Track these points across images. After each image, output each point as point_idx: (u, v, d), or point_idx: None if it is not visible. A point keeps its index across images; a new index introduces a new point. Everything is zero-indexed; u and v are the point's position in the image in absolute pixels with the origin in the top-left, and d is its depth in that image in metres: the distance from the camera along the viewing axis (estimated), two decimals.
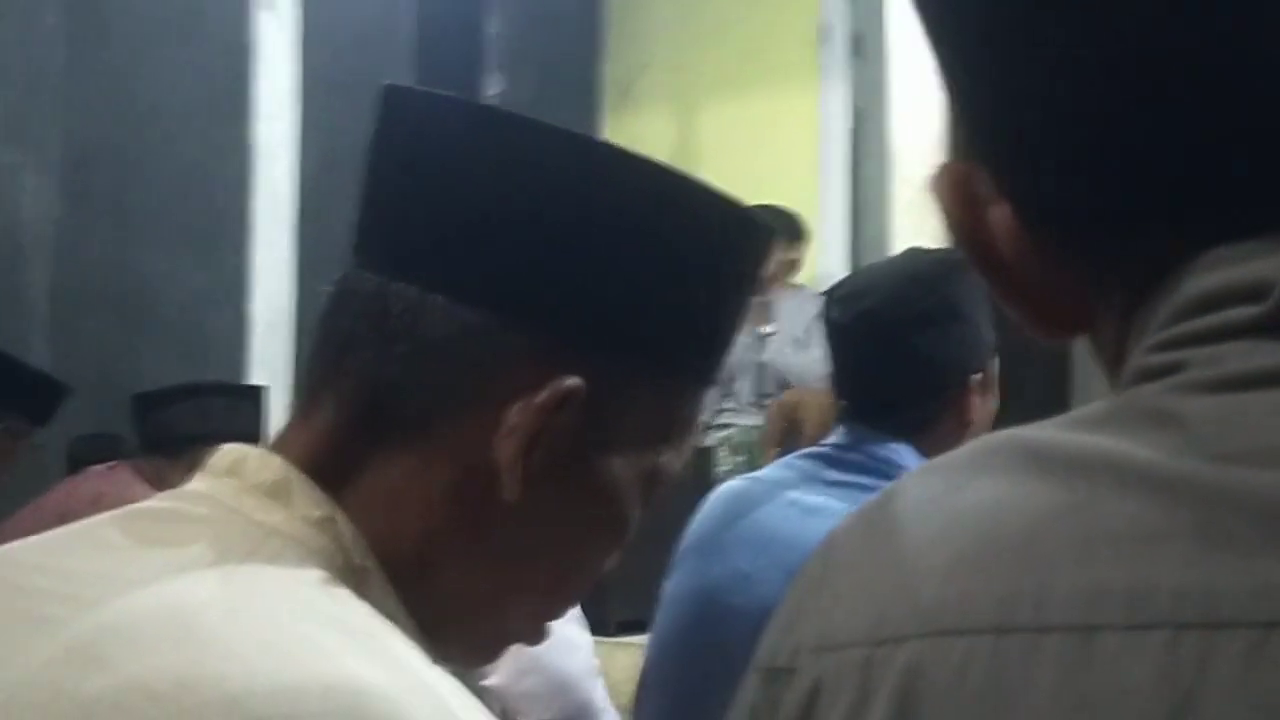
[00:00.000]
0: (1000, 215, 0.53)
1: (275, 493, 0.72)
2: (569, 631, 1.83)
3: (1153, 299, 0.51)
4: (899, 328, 1.66)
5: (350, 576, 0.71)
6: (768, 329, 4.72)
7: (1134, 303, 0.51)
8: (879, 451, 1.66)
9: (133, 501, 0.76)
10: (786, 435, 4.18)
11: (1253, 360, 0.47)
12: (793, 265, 4.95)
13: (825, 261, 5.27)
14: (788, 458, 1.82)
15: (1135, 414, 0.48)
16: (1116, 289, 0.52)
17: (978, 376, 1.68)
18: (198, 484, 0.74)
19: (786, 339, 4.74)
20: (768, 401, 4.63)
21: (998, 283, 0.55)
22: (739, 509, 1.73)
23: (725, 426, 4.75)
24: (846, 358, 1.73)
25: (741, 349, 4.66)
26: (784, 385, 4.66)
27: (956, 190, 0.54)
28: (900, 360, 1.66)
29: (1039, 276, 0.53)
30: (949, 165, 0.54)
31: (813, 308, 4.67)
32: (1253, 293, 0.48)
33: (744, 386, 4.85)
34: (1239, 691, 0.41)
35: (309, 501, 0.72)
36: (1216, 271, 0.49)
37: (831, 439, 1.73)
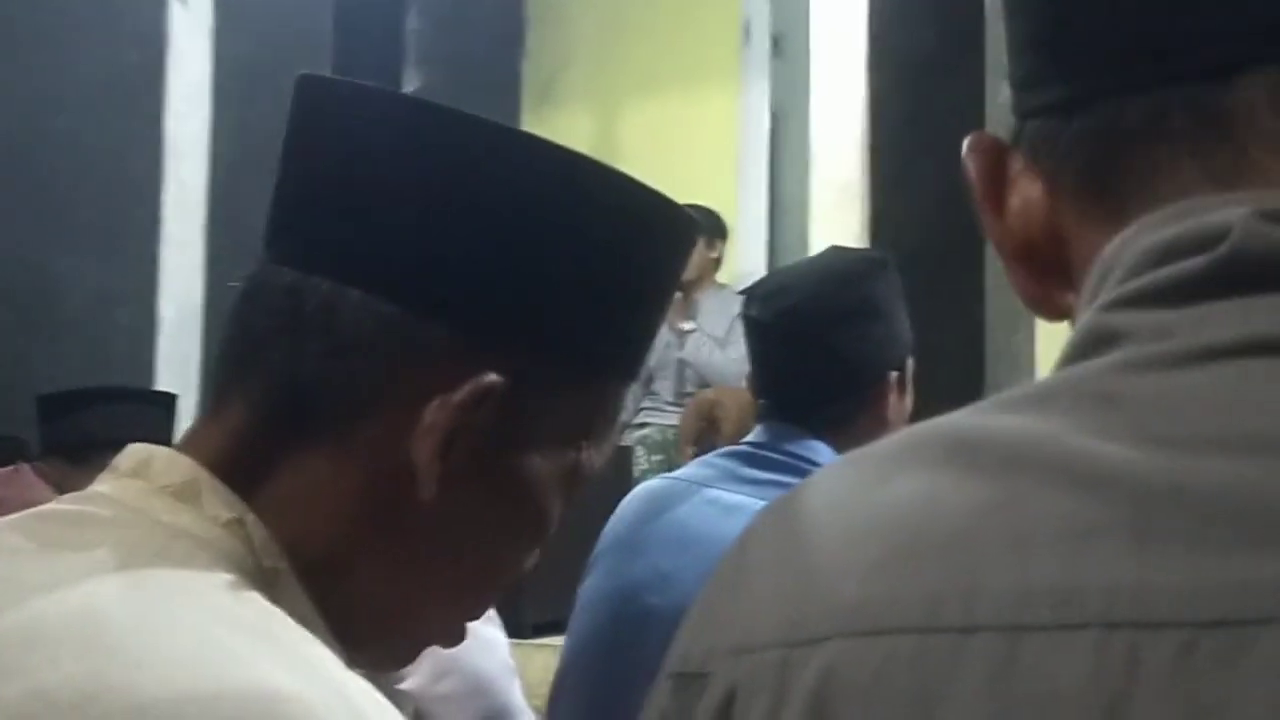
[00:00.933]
0: (1029, 189, 0.54)
1: (183, 494, 0.70)
2: (486, 631, 1.81)
3: (1119, 247, 0.50)
4: (819, 325, 1.66)
5: (261, 579, 0.69)
6: (688, 326, 4.72)
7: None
8: (798, 450, 1.66)
9: (35, 505, 0.73)
10: (704, 434, 4.18)
11: (1200, 334, 0.46)
12: (715, 264, 4.96)
13: (744, 261, 5.28)
14: (706, 456, 1.81)
15: (1075, 395, 0.47)
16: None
17: (895, 375, 1.69)
18: (102, 486, 0.72)
19: (707, 338, 4.74)
20: (687, 400, 4.63)
21: (1003, 245, 0.56)
22: (657, 508, 1.72)
23: (643, 426, 4.75)
24: (766, 355, 1.73)
25: (662, 347, 4.65)
26: (704, 384, 4.66)
27: (987, 154, 0.56)
28: (820, 358, 1.67)
29: (1050, 250, 0.54)
30: (983, 134, 0.56)
31: (734, 307, 4.68)
32: (1207, 241, 0.47)
33: (664, 386, 4.84)
34: (1169, 693, 0.41)
35: (218, 503, 0.71)
36: (1180, 220, 0.48)
37: (750, 437, 1.73)
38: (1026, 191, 0.54)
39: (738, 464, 1.71)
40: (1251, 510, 0.42)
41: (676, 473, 1.83)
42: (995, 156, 0.56)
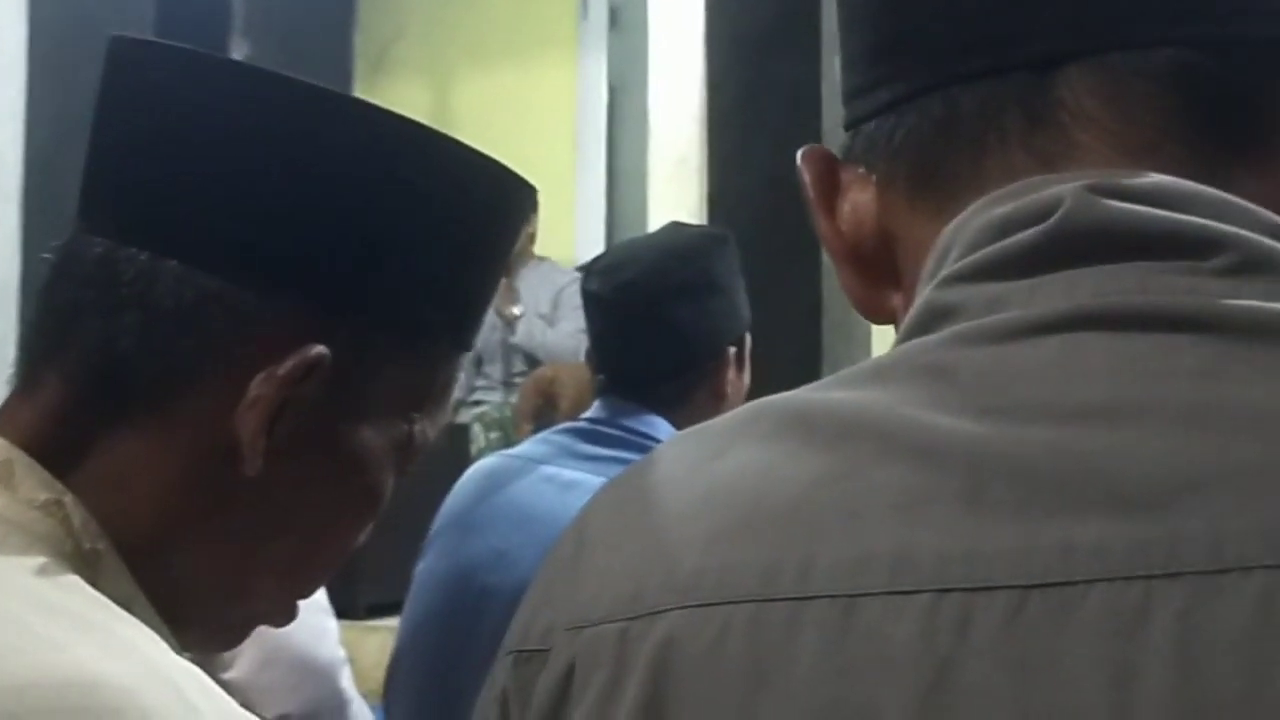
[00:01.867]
0: (859, 195, 0.57)
1: None
2: (315, 619, 1.78)
3: (959, 225, 0.52)
4: (657, 299, 1.67)
5: (80, 562, 0.67)
6: (516, 310, 4.67)
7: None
8: (635, 425, 1.67)
9: None
10: (542, 411, 4.18)
11: (1030, 307, 0.48)
12: (530, 239, 4.92)
13: (582, 234, 5.28)
14: (544, 433, 1.81)
15: (908, 369, 0.49)
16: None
17: (733, 350, 1.71)
18: None
19: (532, 315, 4.70)
20: (518, 379, 4.61)
21: (834, 248, 0.58)
22: (494, 485, 1.71)
23: (479, 404, 4.71)
24: (605, 330, 1.73)
25: (488, 330, 4.60)
26: (535, 363, 4.63)
27: (819, 163, 0.59)
28: (658, 332, 1.68)
29: (879, 251, 0.57)
30: (815, 146, 0.60)
31: (557, 280, 4.66)
32: (1040, 215, 0.49)
33: (493, 369, 4.80)
34: (998, 653, 0.42)
35: (33, 484, 0.68)
36: (1017, 198, 0.50)
37: (589, 413, 1.73)
38: (857, 197, 0.57)
39: (575, 440, 1.71)
40: (1075, 476, 0.43)
41: (513, 450, 1.82)
42: (827, 165, 0.58)
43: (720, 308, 1.71)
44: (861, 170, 0.57)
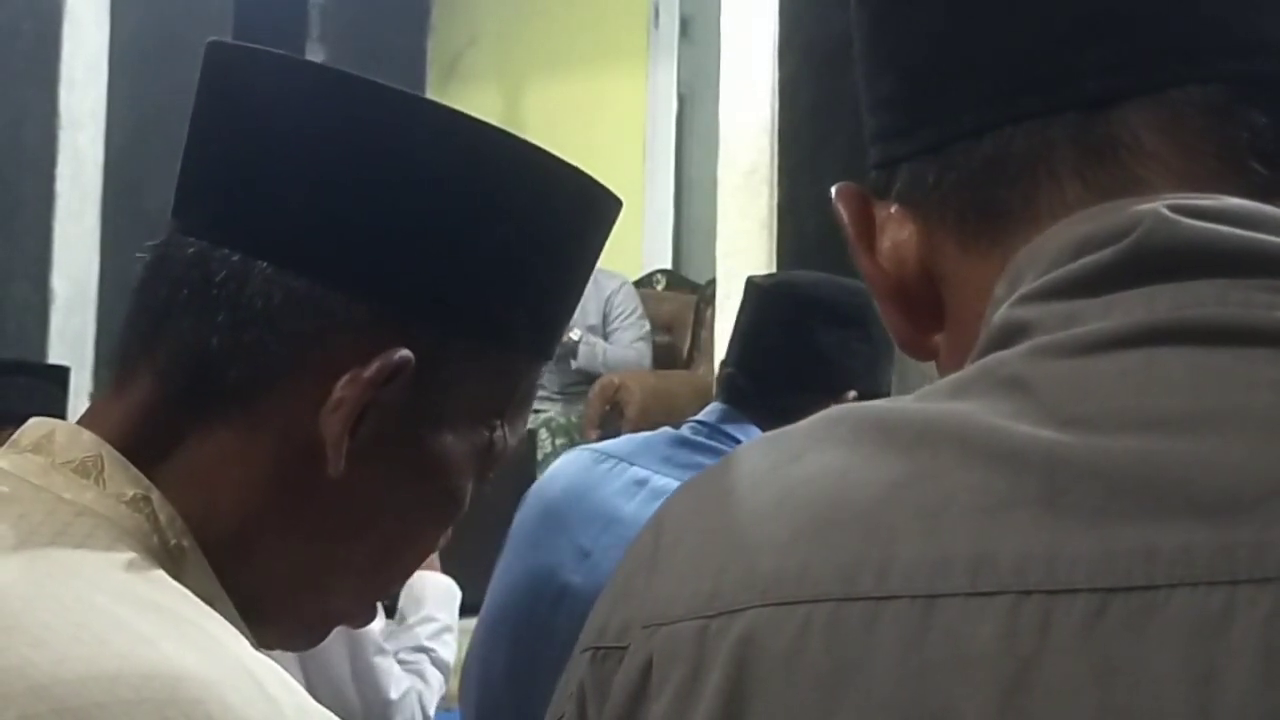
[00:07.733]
0: (898, 232, 0.57)
1: (86, 470, 0.69)
2: (382, 662, 1.83)
3: (1035, 247, 0.52)
4: (806, 308, 1.70)
5: (166, 557, 0.68)
6: (574, 335, 4.60)
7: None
8: (735, 433, 1.67)
9: None
10: (608, 418, 4.19)
11: (1107, 321, 0.48)
12: None
13: (650, 244, 5.29)
14: (642, 434, 1.81)
15: (986, 383, 0.49)
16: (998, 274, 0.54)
17: (853, 394, 1.68)
18: (2, 461, 0.70)
19: (581, 328, 4.65)
20: (573, 389, 4.61)
21: (876, 285, 0.59)
22: (585, 484, 1.70)
23: (542, 410, 4.71)
24: (750, 321, 1.75)
25: None
26: (592, 376, 4.61)
27: (854, 200, 0.59)
28: (794, 340, 1.69)
29: (922, 289, 0.57)
30: (847, 184, 0.60)
31: (604, 288, 4.63)
32: (1118, 234, 0.49)
33: (549, 379, 4.79)
34: (1079, 656, 0.42)
35: (122, 479, 0.69)
36: (1095, 219, 0.50)
37: (698, 416, 1.74)
38: (896, 234, 0.57)
39: (674, 447, 1.70)
40: (1156, 483, 0.44)
41: (606, 446, 1.80)
42: (862, 202, 0.59)
43: (862, 352, 1.70)
44: (895, 208, 0.57)
